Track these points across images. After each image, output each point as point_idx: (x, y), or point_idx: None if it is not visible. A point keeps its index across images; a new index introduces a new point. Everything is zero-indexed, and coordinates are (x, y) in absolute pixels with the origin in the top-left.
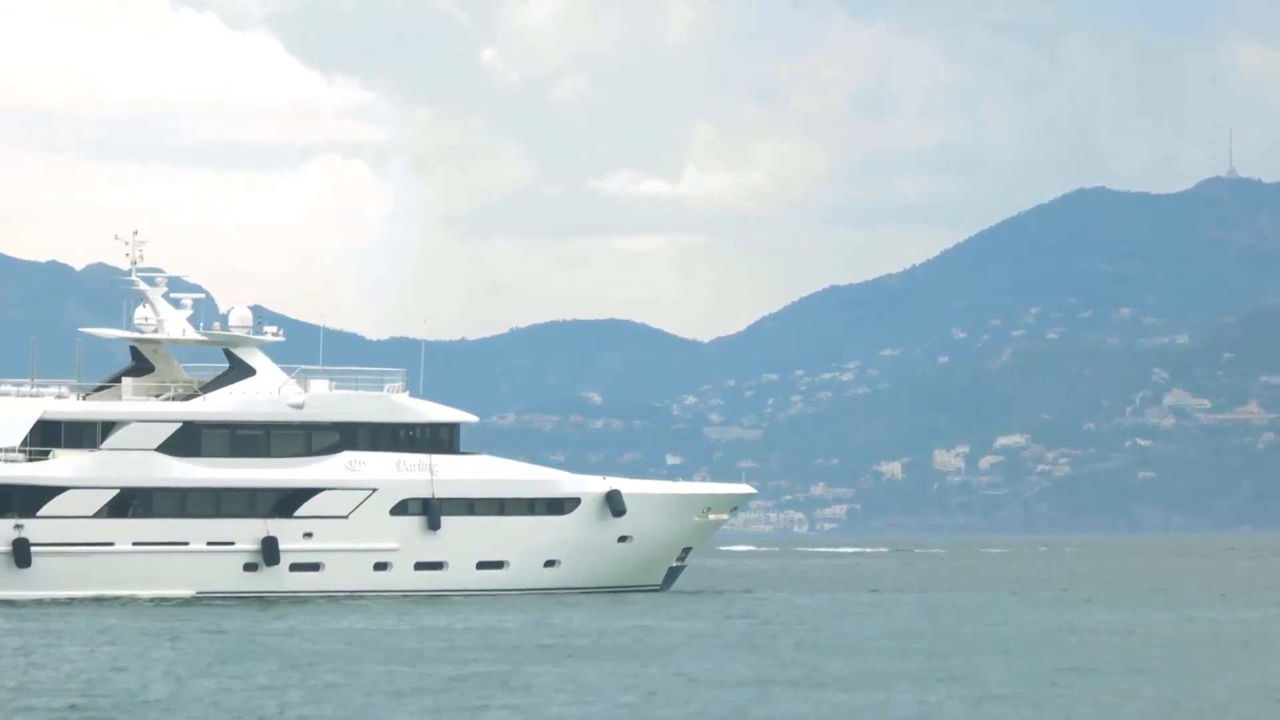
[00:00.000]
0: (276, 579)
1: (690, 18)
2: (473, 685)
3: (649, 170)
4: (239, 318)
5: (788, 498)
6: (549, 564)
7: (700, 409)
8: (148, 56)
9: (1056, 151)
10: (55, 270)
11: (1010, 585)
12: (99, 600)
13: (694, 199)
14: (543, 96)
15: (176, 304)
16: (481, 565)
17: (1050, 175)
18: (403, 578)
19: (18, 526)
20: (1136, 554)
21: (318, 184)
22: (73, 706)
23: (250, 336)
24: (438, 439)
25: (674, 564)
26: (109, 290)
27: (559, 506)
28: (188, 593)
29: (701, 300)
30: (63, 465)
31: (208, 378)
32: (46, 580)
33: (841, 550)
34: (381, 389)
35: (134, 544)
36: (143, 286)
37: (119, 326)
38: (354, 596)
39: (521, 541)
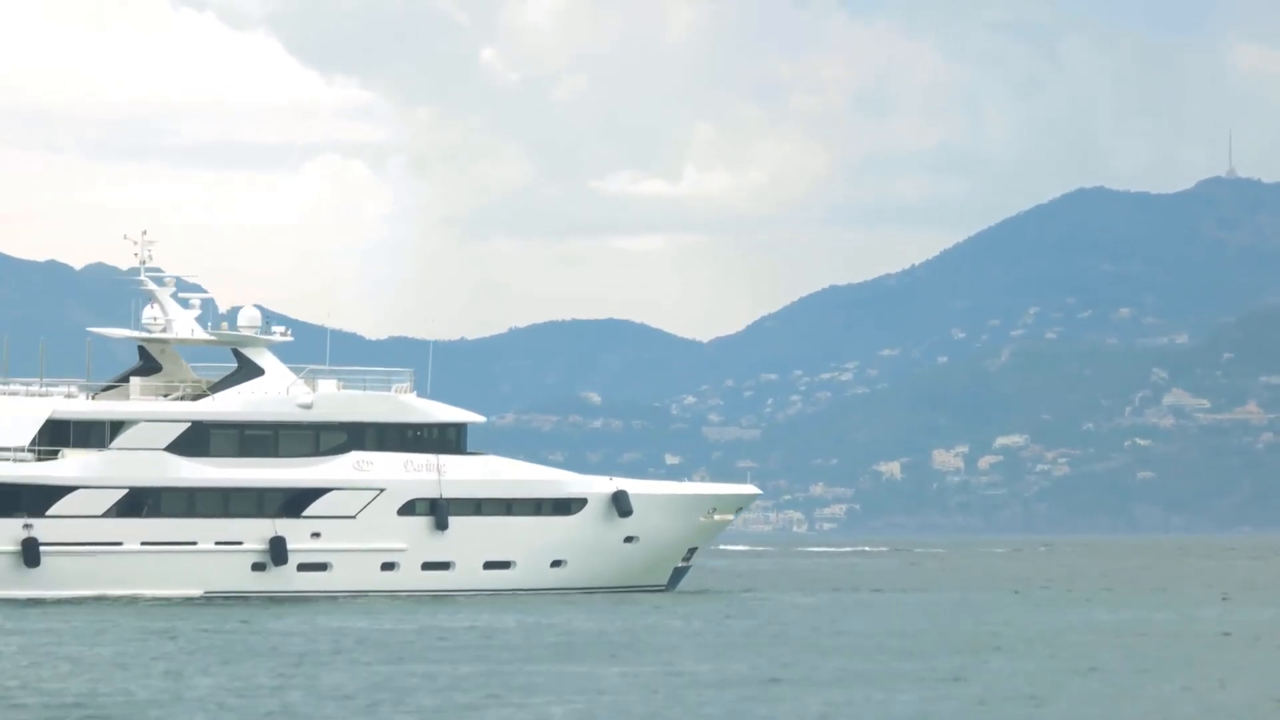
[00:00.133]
0: (284, 579)
1: (690, 18)
2: (475, 683)
3: (649, 170)
4: (248, 318)
5: (787, 498)
6: (555, 564)
7: (699, 409)
8: (147, 56)
9: (1056, 151)
10: (54, 270)
11: (1013, 584)
12: (104, 599)
13: (694, 199)
14: (542, 96)
15: (185, 304)
16: (489, 565)
17: (1050, 175)
18: (410, 578)
19: (27, 526)
20: (1141, 554)
21: (317, 184)
22: (73, 705)
23: (259, 336)
24: (445, 439)
25: (679, 564)
26: (108, 290)
27: (566, 507)
28: (196, 592)
29: (701, 300)
30: (72, 465)
31: (215, 377)
32: (55, 580)
33: (835, 550)
34: (389, 389)
35: (142, 544)
36: (151, 286)
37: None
38: (361, 597)
39: (528, 542)
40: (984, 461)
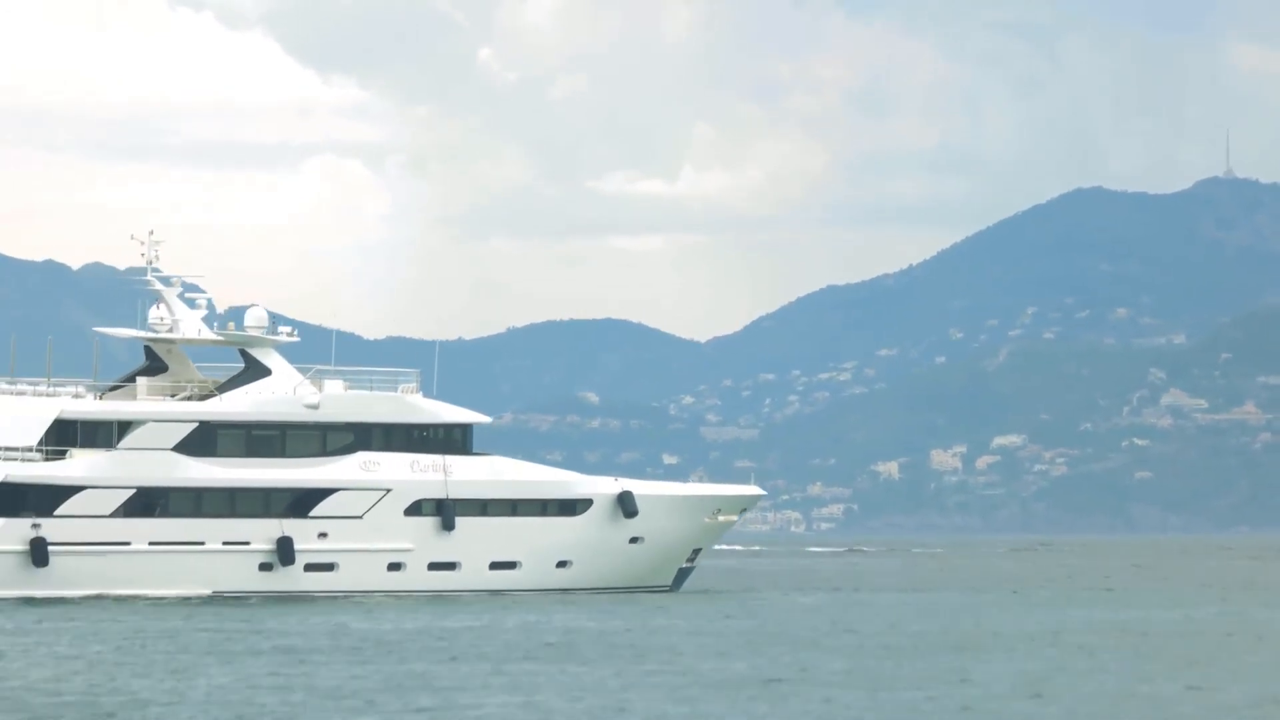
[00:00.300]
0: (291, 579)
1: (689, 17)
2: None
3: (647, 170)
4: (255, 318)
5: (785, 497)
6: (561, 564)
7: (697, 409)
8: (145, 56)
9: (1055, 152)
10: (53, 270)
11: (1012, 584)
12: (111, 599)
13: (692, 199)
14: (541, 96)
15: (191, 304)
16: (494, 566)
17: (1048, 175)
18: (416, 578)
19: (35, 526)
20: (1140, 553)
21: (316, 184)
22: (74, 704)
23: (266, 337)
24: (451, 440)
25: (684, 565)
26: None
27: (571, 508)
28: (204, 592)
29: (699, 300)
30: (79, 465)
31: (219, 377)
32: (64, 579)
33: (825, 550)
34: (395, 389)
35: (150, 544)
36: (158, 286)
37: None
38: (368, 596)
39: (534, 542)
40: (982, 461)
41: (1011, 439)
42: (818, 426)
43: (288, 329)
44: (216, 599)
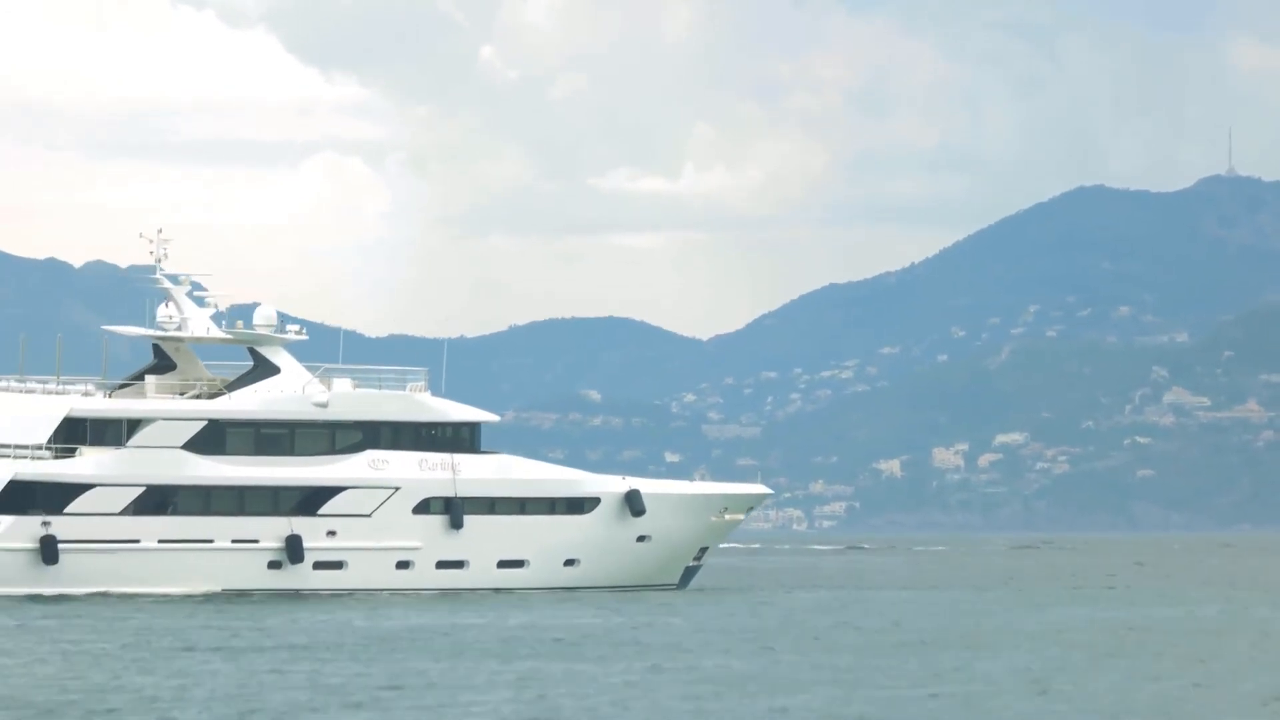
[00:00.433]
0: (300, 577)
1: (689, 16)
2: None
3: (648, 168)
4: (263, 316)
5: (787, 495)
6: (569, 563)
7: (699, 407)
8: (147, 55)
9: (1056, 150)
10: (54, 268)
11: (1016, 582)
12: (115, 596)
13: (693, 197)
14: (541, 95)
15: (201, 302)
16: (502, 564)
17: (1050, 174)
18: (425, 576)
19: (45, 523)
20: (1145, 551)
21: (316, 182)
22: (72, 702)
23: (275, 335)
24: (459, 438)
25: (691, 563)
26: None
27: (579, 506)
28: (213, 589)
29: (701, 298)
30: (89, 463)
31: (226, 375)
32: (73, 577)
33: (828, 548)
34: (403, 388)
35: (159, 541)
36: (167, 285)
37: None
38: (375, 595)
39: (542, 540)
40: (984, 459)
41: (1013, 437)
42: (820, 424)
43: (295, 327)
44: (222, 597)
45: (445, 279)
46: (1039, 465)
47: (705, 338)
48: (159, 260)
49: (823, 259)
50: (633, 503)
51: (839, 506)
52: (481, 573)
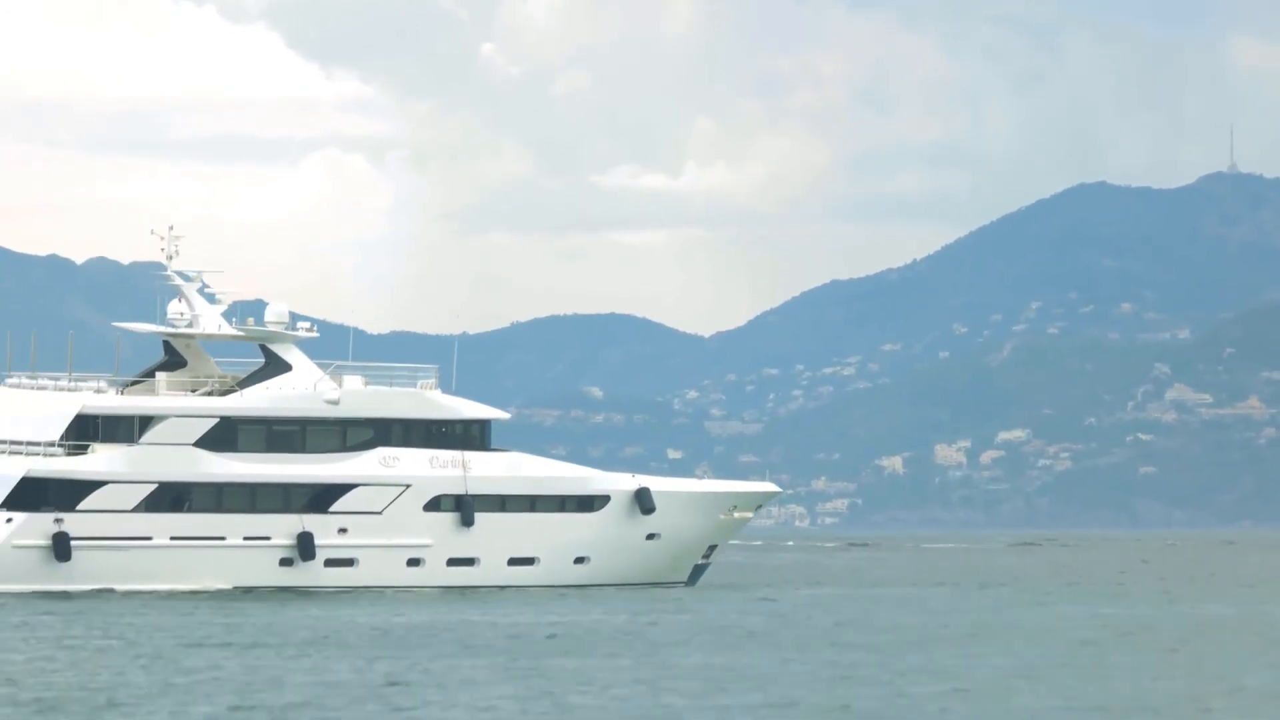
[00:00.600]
0: (311, 574)
1: (690, 12)
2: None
3: (649, 165)
4: (275, 313)
5: (789, 492)
6: (579, 560)
7: (701, 403)
8: (147, 51)
9: (1058, 147)
10: (55, 264)
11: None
12: (121, 593)
13: (694, 194)
14: (543, 91)
15: (212, 299)
16: (513, 562)
17: (1051, 170)
18: (435, 573)
19: (58, 520)
20: (1150, 549)
21: (317, 178)
22: (71, 701)
23: (286, 332)
24: (470, 435)
25: (699, 561)
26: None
27: (589, 504)
28: (224, 586)
29: (702, 295)
30: (101, 460)
31: (235, 372)
32: (86, 574)
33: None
34: (414, 385)
35: (172, 538)
36: (179, 281)
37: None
38: (386, 591)
39: (552, 538)
40: (986, 456)
41: (1015, 434)
42: (822, 421)
43: (306, 324)
44: (229, 593)
45: (446, 276)
46: (1041, 462)
47: (707, 334)
48: (170, 257)
49: (824, 256)
50: (643, 500)
51: (841, 503)
52: (492, 570)
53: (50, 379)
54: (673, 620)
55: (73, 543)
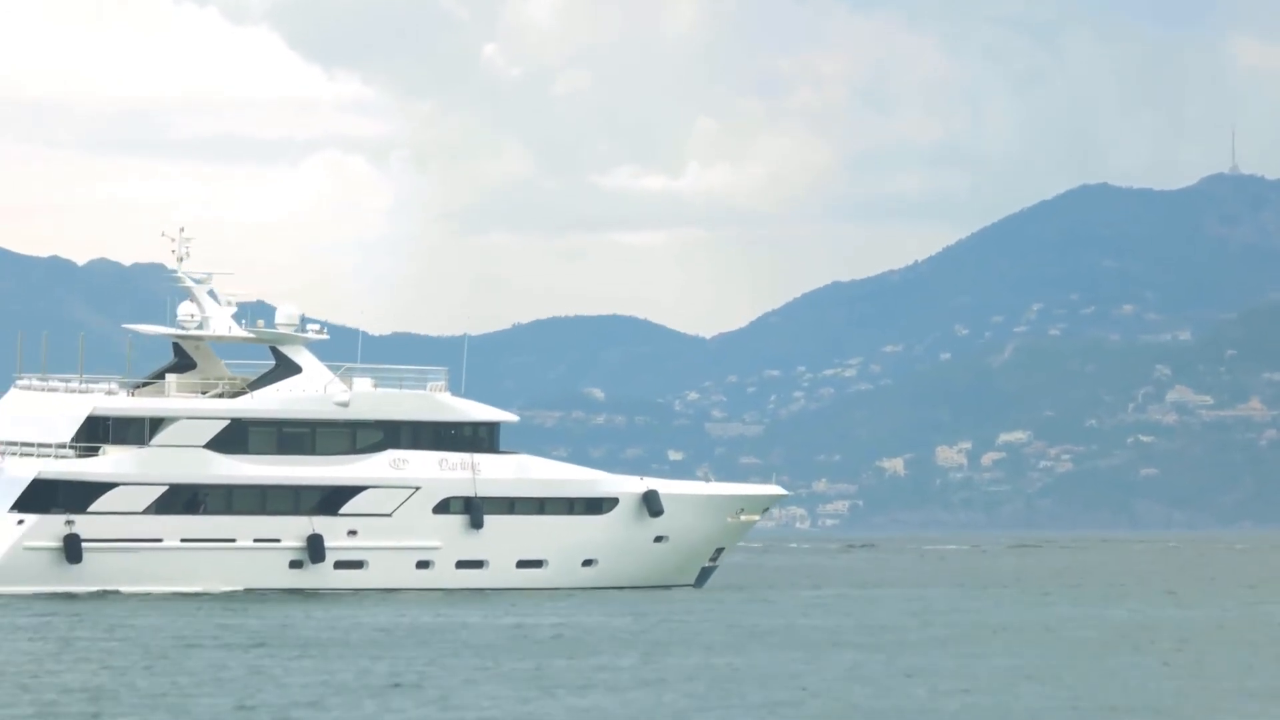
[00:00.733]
0: (321, 576)
1: (691, 13)
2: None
3: (650, 165)
4: (285, 315)
5: (789, 494)
6: (587, 563)
7: (702, 405)
8: (149, 51)
9: (1059, 148)
10: (56, 265)
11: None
12: (130, 594)
13: (695, 194)
14: (543, 92)
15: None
16: (521, 564)
17: (1052, 172)
18: (444, 576)
19: (69, 522)
20: (1155, 550)
21: (318, 179)
22: (76, 697)
23: (297, 334)
24: (479, 438)
25: (707, 564)
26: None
27: (597, 506)
28: (235, 589)
29: (703, 296)
30: (112, 461)
31: (249, 375)
32: (97, 575)
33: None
34: (423, 387)
35: (182, 540)
36: (189, 283)
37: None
38: (395, 594)
39: (560, 541)
40: (987, 458)
41: (1017, 435)
42: (823, 423)
43: (316, 326)
44: (236, 595)
45: (446, 276)
46: (1042, 464)
47: (708, 336)
48: (181, 259)
49: (825, 257)
50: (651, 503)
51: (842, 505)
52: (501, 573)
53: (61, 381)
54: (674, 621)
55: (84, 544)
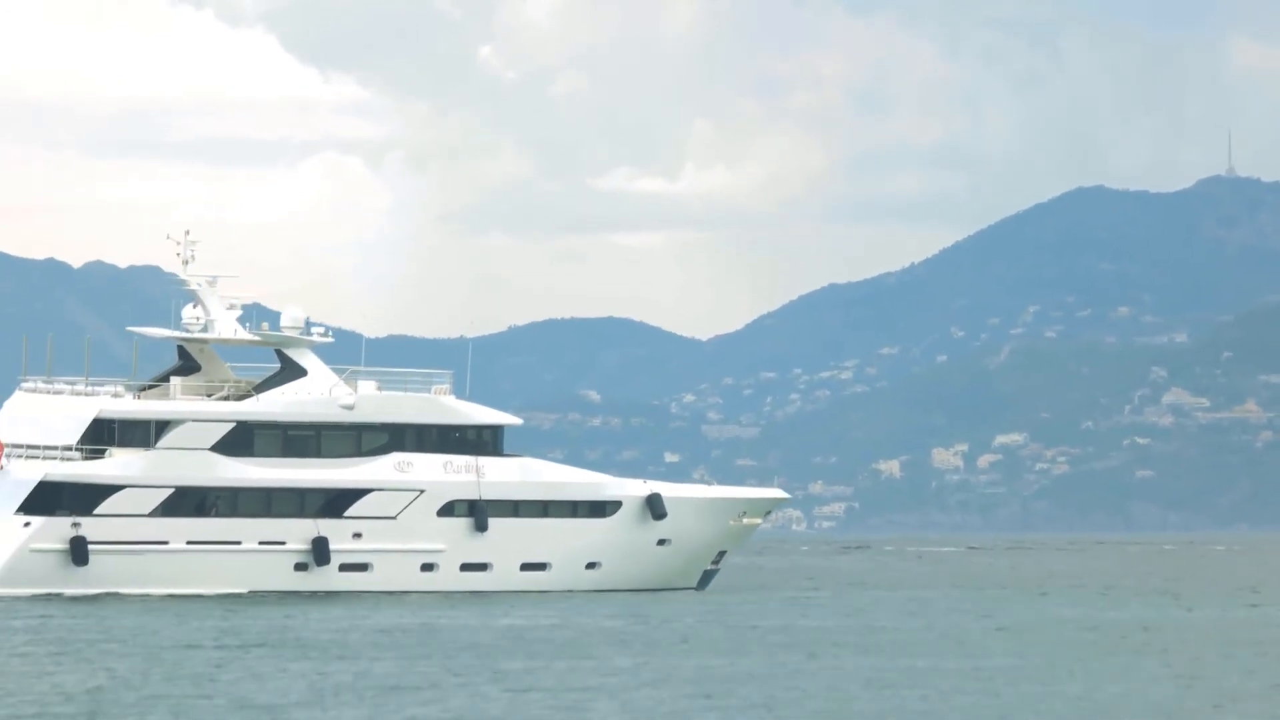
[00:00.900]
0: (326, 579)
1: (689, 14)
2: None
3: (647, 167)
4: (291, 318)
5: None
6: (590, 566)
7: (698, 407)
8: (145, 53)
9: (1056, 150)
10: (52, 268)
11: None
12: (131, 596)
13: (692, 196)
14: (540, 93)
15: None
16: (525, 567)
17: (1049, 174)
18: (449, 578)
19: (75, 524)
20: (1146, 552)
21: (315, 181)
22: (74, 696)
23: (302, 337)
24: (482, 441)
25: (709, 567)
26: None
27: (601, 509)
28: (240, 591)
29: (700, 298)
30: (118, 464)
31: (254, 378)
32: (103, 578)
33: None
34: (428, 391)
35: (188, 543)
36: (195, 286)
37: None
38: (400, 597)
39: (564, 543)
40: (983, 460)
41: (1013, 437)
42: (819, 425)
43: (321, 329)
44: (236, 598)
45: (445, 278)
46: (1038, 466)
47: (705, 338)
48: (186, 262)
49: (823, 258)
50: (654, 506)
51: (838, 507)
52: (505, 575)
53: (66, 383)
54: (675, 622)
55: (90, 546)
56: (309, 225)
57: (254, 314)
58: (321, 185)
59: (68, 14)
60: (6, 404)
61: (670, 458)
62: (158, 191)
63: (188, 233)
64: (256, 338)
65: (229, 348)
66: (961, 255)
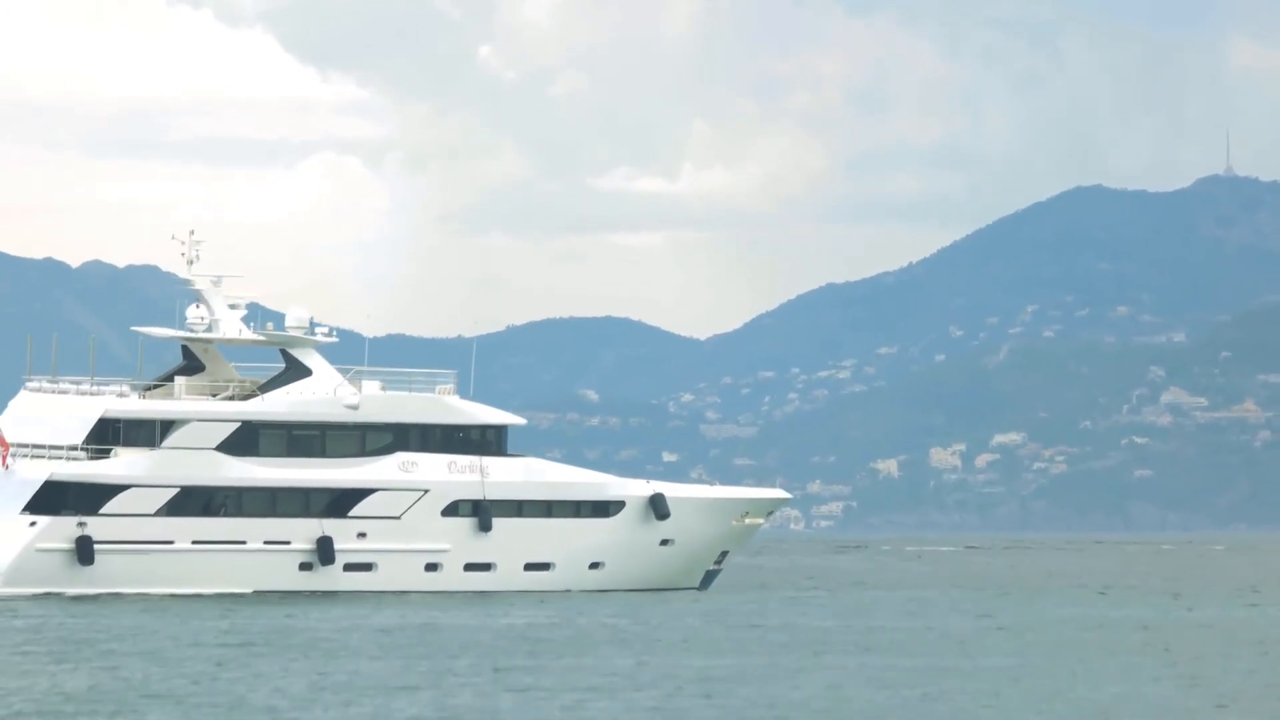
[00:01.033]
0: (330, 578)
1: (688, 14)
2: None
3: (646, 167)
4: (295, 318)
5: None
6: (593, 566)
7: (697, 406)
8: (145, 53)
9: (1055, 149)
10: (51, 267)
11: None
12: (134, 596)
13: (691, 196)
14: (540, 93)
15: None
16: (529, 567)
17: (1048, 173)
18: (453, 578)
19: (81, 524)
20: (1145, 552)
21: (315, 181)
22: (73, 696)
23: (306, 337)
24: (486, 441)
25: (712, 567)
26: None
27: (604, 509)
28: (245, 591)
29: (699, 298)
30: (124, 464)
31: (259, 377)
32: (109, 577)
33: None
34: (432, 390)
35: (193, 542)
36: (199, 286)
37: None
38: (404, 597)
39: (568, 543)
40: (981, 459)
41: (1011, 437)
42: (817, 424)
43: (325, 329)
44: (240, 598)
45: (444, 278)
46: (1036, 465)
47: (703, 337)
48: (191, 262)
49: (821, 258)
50: (657, 506)
51: (836, 507)
52: (508, 575)
53: (71, 383)
54: (676, 622)
55: (95, 546)
56: (308, 225)
57: (254, 314)
58: (321, 185)
59: (68, 14)
60: (12, 404)
61: (668, 457)
62: (157, 191)
63: (192, 233)
64: (261, 338)
65: (233, 347)
66: (960, 255)
